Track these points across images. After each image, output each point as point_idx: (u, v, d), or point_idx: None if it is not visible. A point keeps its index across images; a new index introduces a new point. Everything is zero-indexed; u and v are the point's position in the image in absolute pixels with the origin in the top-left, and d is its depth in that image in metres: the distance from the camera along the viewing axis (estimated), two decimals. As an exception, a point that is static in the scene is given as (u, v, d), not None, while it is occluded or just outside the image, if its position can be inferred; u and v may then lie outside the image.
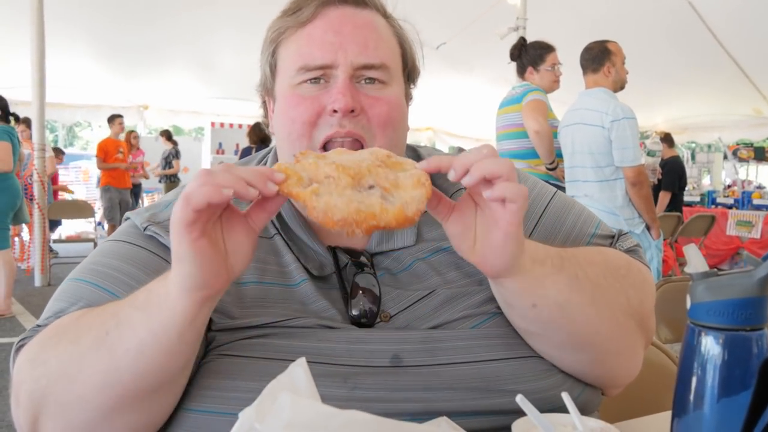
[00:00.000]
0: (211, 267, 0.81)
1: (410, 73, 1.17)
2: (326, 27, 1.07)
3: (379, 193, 0.82)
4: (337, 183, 0.80)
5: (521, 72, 4.64)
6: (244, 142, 10.25)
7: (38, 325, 1.03)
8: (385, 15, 1.14)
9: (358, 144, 1.05)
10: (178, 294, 0.82)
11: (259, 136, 8.57)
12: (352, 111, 1.03)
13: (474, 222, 0.90)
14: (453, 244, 0.93)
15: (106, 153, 10.55)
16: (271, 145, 1.25)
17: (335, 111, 1.03)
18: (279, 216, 1.13)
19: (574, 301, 0.98)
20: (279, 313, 1.01)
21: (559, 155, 4.34)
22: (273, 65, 1.12)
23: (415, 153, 1.26)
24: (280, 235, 1.11)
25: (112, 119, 10.88)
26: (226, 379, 0.94)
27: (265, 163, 1.22)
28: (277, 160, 1.19)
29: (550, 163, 4.34)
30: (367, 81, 1.07)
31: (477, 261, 0.91)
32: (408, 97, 1.17)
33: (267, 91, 1.16)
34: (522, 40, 4.84)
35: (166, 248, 1.06)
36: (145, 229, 1.09)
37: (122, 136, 11.31)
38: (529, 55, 4.58)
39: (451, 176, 0.85)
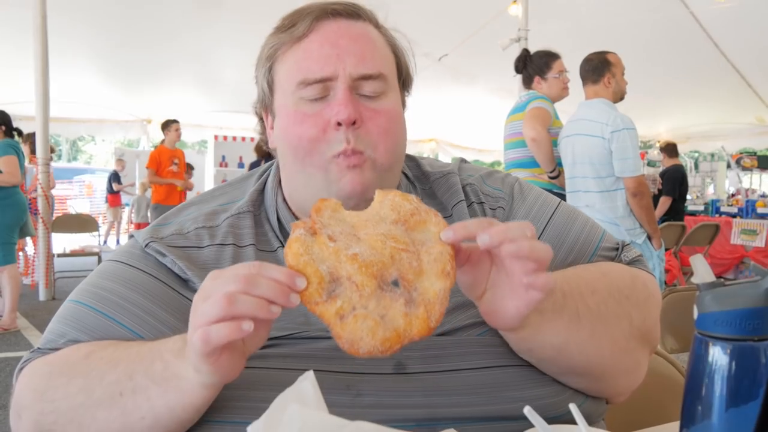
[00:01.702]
0: (231, 370, 0.83)
1: (405, 81, 1.18)
2: (322, 40, 1.07)
3: (404, 299, 0.80)
4: (361, 292, 0.79)
5: (528, 83, 4.62)
6: (247, 155, 10.19)
7: (39, 348, 1.05)
8: (377, 25, 1.14)
9: (361, 159, 1.05)
10: (196, 385, 0.85)
11: (266, 151, 8.48)
12: (354, 123, 1.04)
13: (487, 278, 0.89)
14: (461, 288, 0.91)
15: (159, 164, 8.90)
16: (273, 161, 1.25)
17: (339, 123, 1.03)
18: (282, 228, 1.14)
19: (572, 341, 0.98)
20: (283, 327, 1.01)
21: (559, 163, 4.33)
22: (270, 81, 1.13)
23: (415, 163, 1.26)
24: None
25: (167, 125, 9.19)
26: (235, 390, 0.95)
27: (267, 178, 1.21)
28: (278, 180, 1.19)
29: (551, 171, 4.34)
30: (366, 95, 1.07)
31: (482, 311, 0.91)
32: (403, 105, 1.18)
33: (265, 107, 1.16)
34: (525, 51, 4.82)
35: (165, 268, 1.08)
36: (146, 245, 1.09)
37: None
38: (534, 64, 4.57)
39: (484, 243, 0.82)
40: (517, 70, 4.73)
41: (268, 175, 1.22)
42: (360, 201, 1.03)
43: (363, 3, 1.14)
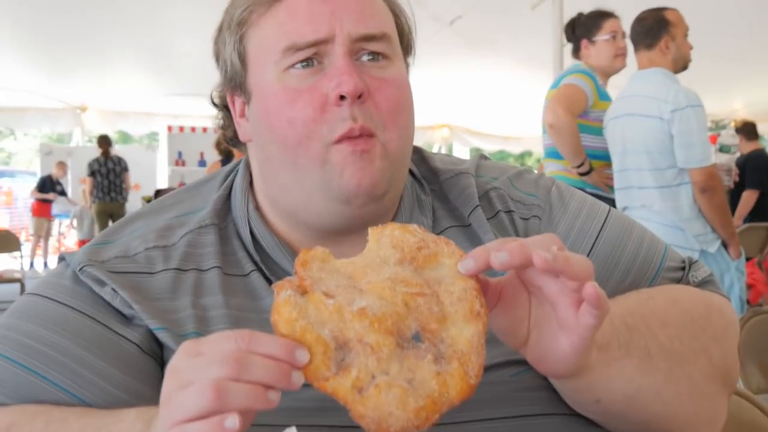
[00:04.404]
0: None
1: (407, 48, 1.18)
2: None
3: (431, 354, 0.78)
4: (378, 355, 0.76)
5: (576, 51, 4.64)
6: (210, 150, 10.11)
7: None
8: None
9: (370, 142, 1.04)
10: None
11: (229, 149, 8.50)
12: (360, 96, 1.03)
13: (527, 317, 0.87)
14: (499, 337, 0.90)
15: None
16: (237, 158, 1.25)
17: (342, 98, 1.02)
18: (257, 244, 1.13)
19: (646, 387, 0.97)
20: None
21: (604, 157, 4.33)
22: (242, 53, 1.11)
23: (420, 157, 1.26)
24: (260, 271, 1.11)
25: None
26: None
27: (233, 181, 1.20)
28: (249, 182, 1.19)
29: (579, 166, 4.32)
30: (369, 57, 1.07)
31: (531, 360, 0.89)
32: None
33: (235, 88, 1.15)
34: (578, 15, 4.77)
35: (102, 302, 1.06)
36: (80, 269, 1.08)
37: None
38: (583, 25, 4.59)
39: (502, 261, 0.79)
40: (568, 38, 4.75)
41: (236, 176, 1.22)
42: (367, 201, 1.04)
43: None
